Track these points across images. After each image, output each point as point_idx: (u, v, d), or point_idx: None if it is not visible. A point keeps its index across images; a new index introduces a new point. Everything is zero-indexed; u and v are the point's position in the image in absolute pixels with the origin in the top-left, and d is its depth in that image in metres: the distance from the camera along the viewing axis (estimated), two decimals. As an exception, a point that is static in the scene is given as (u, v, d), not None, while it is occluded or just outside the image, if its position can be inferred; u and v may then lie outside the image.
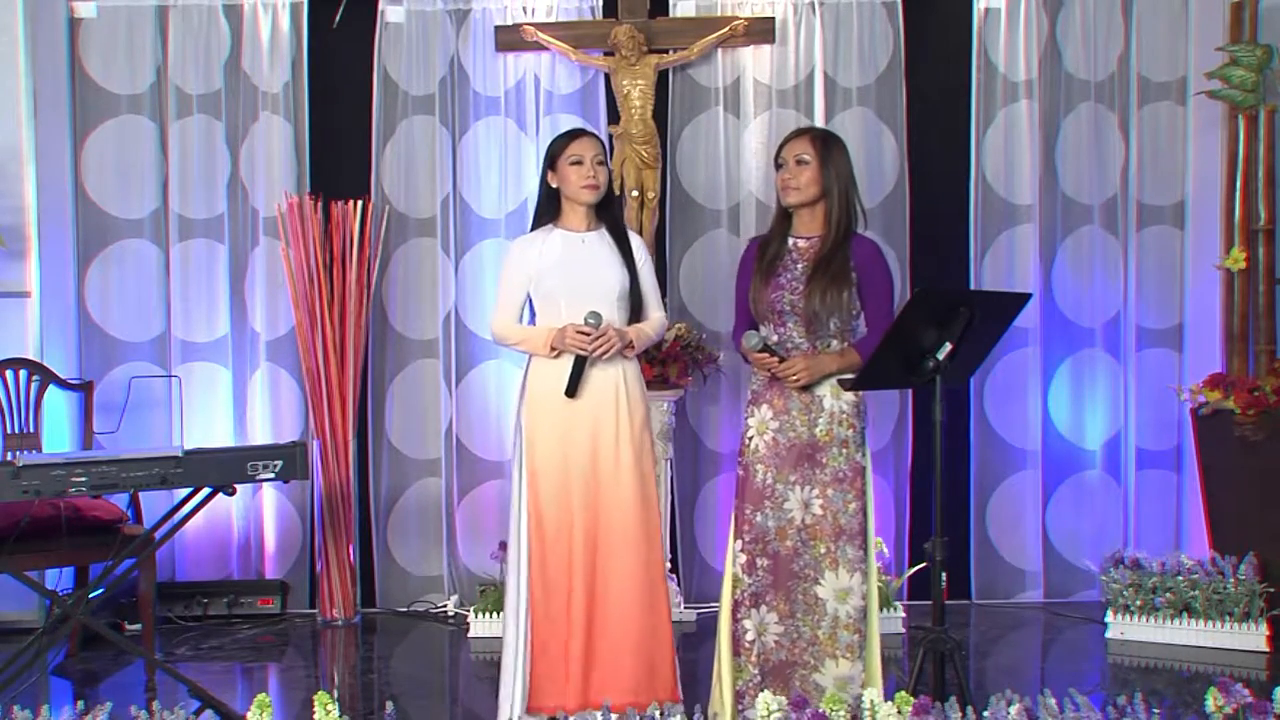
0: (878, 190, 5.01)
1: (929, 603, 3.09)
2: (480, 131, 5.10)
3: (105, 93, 5.03)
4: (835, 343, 3.24)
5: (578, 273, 3.30)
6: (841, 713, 2.64)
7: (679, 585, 4.87)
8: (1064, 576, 5.10)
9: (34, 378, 4.55)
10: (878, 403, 4.88)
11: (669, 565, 4.64)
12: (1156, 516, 5.12)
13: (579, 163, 3.29)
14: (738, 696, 3.24)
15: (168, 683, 3.88)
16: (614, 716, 2.82)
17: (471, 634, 4.60)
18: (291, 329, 4.99)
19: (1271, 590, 4.30)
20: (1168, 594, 4.40)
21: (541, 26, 4.95)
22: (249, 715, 2.62)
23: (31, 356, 4.66)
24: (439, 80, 5.06)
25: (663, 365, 4.62)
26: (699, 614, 4.79)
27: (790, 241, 3.29)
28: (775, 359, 3.19)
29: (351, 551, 4.90)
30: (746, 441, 3.30)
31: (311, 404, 4.90)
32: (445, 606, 5.02)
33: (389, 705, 2.80)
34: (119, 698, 3.58)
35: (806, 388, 3.21)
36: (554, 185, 3.35)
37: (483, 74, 5.09)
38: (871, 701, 2.66)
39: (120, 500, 4.37)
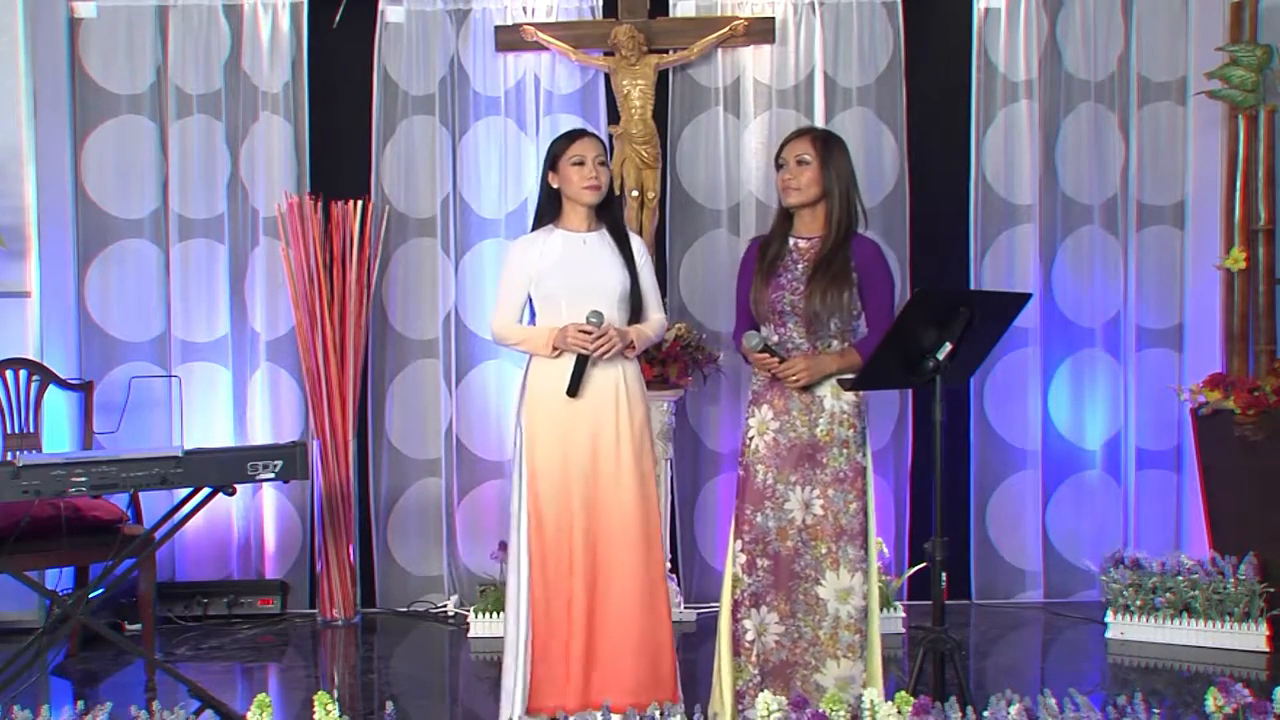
0: (878, 190, 5.01)
1: (929, 603, 3.09)
2: (480, 131, 5.10)
3: (105, 93, 5.03)
4: (836, 343, 3.24)
5: (578, 273, 3.30)
6: (841, 713, 2.64)
7: (679, 585, 4.87)
8: (1064, 576, 5.10)
9: (34, 378, 4.55)
10: (878, 403, 4.88)
11: (669, 565, 4.64)
12: (1156, 516, 5.12)
13: (581, 163, 3.29)
14: (738, 696, 3.24)
15: (168, 683, 3.88)
16: (614, 717, 2.82)
17: (471, 634, 4.60)
18: (291, 329, 4.99)
19: (1271, 590, 4.30)
20: (1168, 594, 4.40)
21: (541, 26, 4.95)
22: (249, 715, 2.62)
23: (31, 356, 4.66)
24: (439, 80, 5.06)
25: (663, 365, 4.62)
26: (699, 614, 4.79)
27: (791, 242, 3.29)
28: (775, 359, 3.19)
29: (351, 551, 4.90)
30: (747, 442, 3.30)
31: (311, 404, 4.90)
32: (445, 606, 5.02)
33: (389, 705, 2.80)
34: (119, 698, 3.58)
35: (807, 388, 3.22)
36: (555, 186, 3.35)
37: (483, 74, 5.09)
38: (871, 701, 2.66)
39: (120, 500, 4.37)
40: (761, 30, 4.98)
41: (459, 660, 4.43)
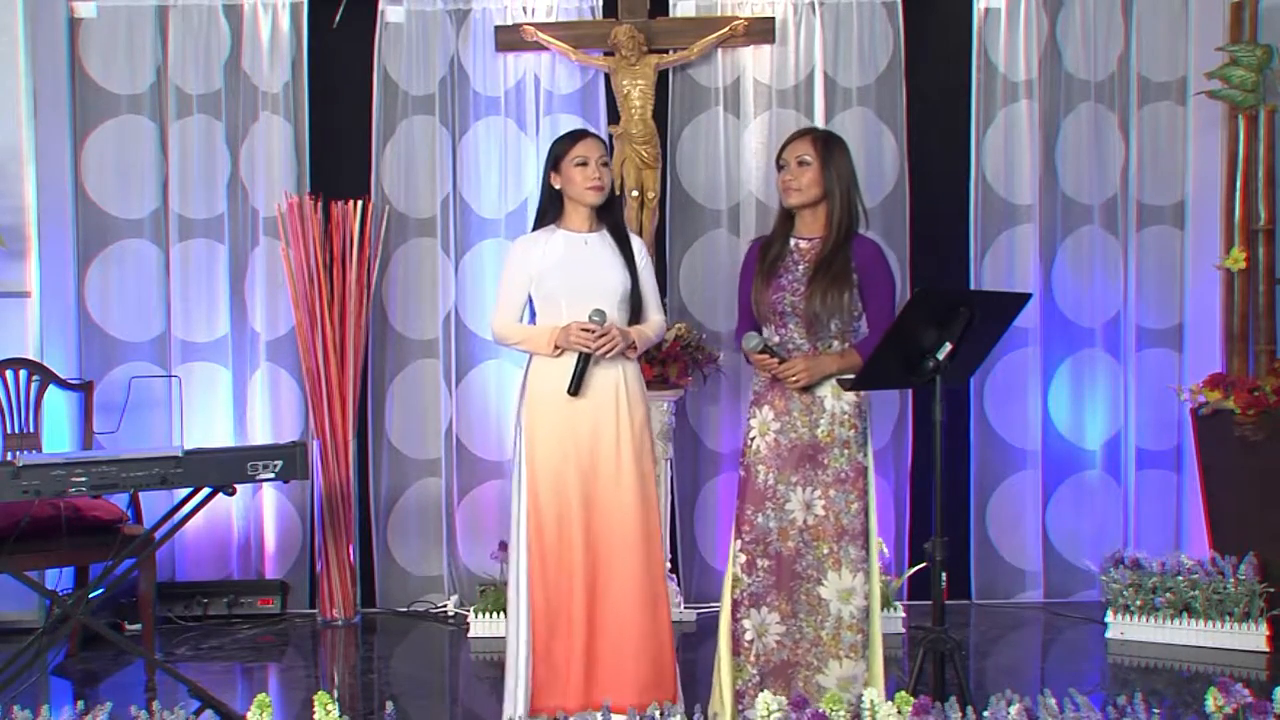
0: (878, 190, 5.01)
1: (929, 603, 3.09)
2: (480, 131, 5.10)
3: (105, 93, 5.03)
4: (836, 344, 3.24)
5: (579, 273, 3.30)
6: (841, 713, 2.64)
7: (679, 585, 4.87)
8: (1064, 576, 5.10)
9: (34, 378, 4.55)
10: (878, 403, 4.87)
11: (669, 565, 4.64)
12: (1156, 516, 5.12)
13: (584, 164, 3.29)
14: (737, 696, 3.24)
15: (168, 683, 3.88)
16: (615, 717, 2.82)
17: (471, 634, 4.60)
18: (291, 329, 4.99)
19: (1271, 590, 4.30)
20: (1168, 594, 4.40)
21: (541, 26, 4.95)
22: (249, 715, 2.62)
23: (31, 356, 4.66)
24: (439, 80, 5.06)
25: (663, 365, 4.62)
26: (699, 614, 4.79)
27: (792, 243, 3.29)
28: (775, 360, 3.20)
29: (351, 551, 4.90)
30: (748, 442, 3.30)
31: (311, 404, 4.90)
32: (445, 606, 5.02)
33: (389, 705, 2.80)
34: (119, 698, 3.58)
35: (807, 389, 3.22)
36: (557, 186, 3.35)
37: (483, 74, 5.09)
38: (872, 701, 2.66)
39: (120, 500, 4.37)
40: (761, 30, 4.98)
41: (459, 660, 4.43)
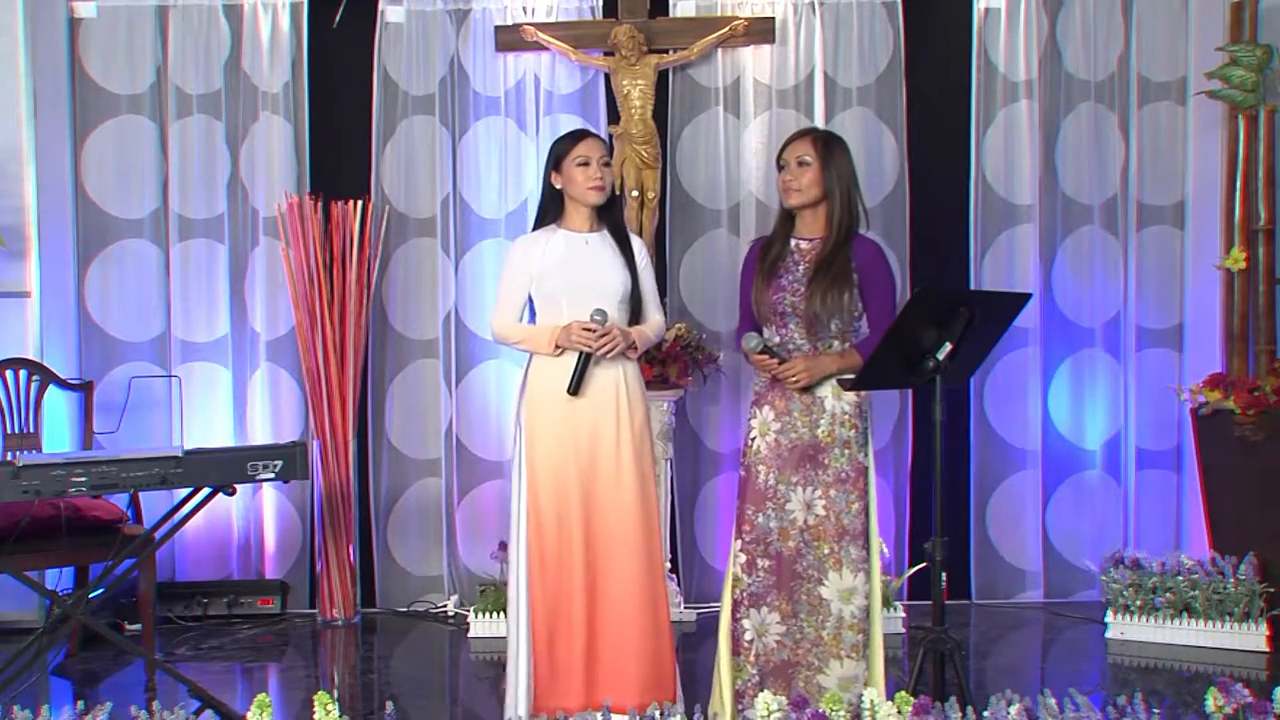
0: (878, 190, 5.01)
1: (929, 603, 3.09)
2: (480, 131, 5.10)
3: (105, 93, 5.03)
4: (837, 344, 3.24)
5: (580, 273, 3.29)
6: (841, 713, 2.64)
7: (679, 585, 4.87)
8: (1064, 576, 5.10)
9: (34, 378, 4.55)
10: (878, 403, 4.88)
11: (669, 565, 4.64)
12: (1156, 516, 5.12)
13: (586, 164, 3.29)
14: (737, 696, 3.24)
15: (168, 683, 3.88)
16: (615, 717, 2.82)
17: (471, 634, 4.60)
18: (291, 329, 4.99)
19: (1271, 590, 4.30)
20: (1168, 594, 4.40)
21: (541, 26, 4.95)
22: (249, 715, 2.62)
23: (31, 356, 4.66)
24: (439, 80, 5.06)
25: (663, 365, 4.62)
26: (699, 614, 4.79)
27: (793, 243, 3.29)
28: (775, 360, 3.20)
29: (351, 551, 4.90)
30: (749, 442, 3.30)
31: (311, 404, 4.90)
32: (445, 606, 5.02)
33: (389, 705, 2.80)
34: (119, 698, 3.58)
35: (807, 389, 3.22)
36: (558, 186, 3.34)
37: (483, 74, 5.09)
38: (872, 701, 2.66)
39: (120, 500, 4.37)
40: (761, 30, 4.98)
41: (459, 660, 4.43)
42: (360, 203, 4.88)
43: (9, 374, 4.50)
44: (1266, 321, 4.65)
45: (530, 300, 3.37)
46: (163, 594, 4.84)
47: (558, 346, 3.25)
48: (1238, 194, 4.69)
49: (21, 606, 4.62)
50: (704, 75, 5.07)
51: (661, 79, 4.96)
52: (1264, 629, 4.28)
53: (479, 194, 5.11)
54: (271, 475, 3.57)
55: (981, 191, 5.10)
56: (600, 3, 5.04)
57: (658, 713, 2.73)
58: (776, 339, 3.26)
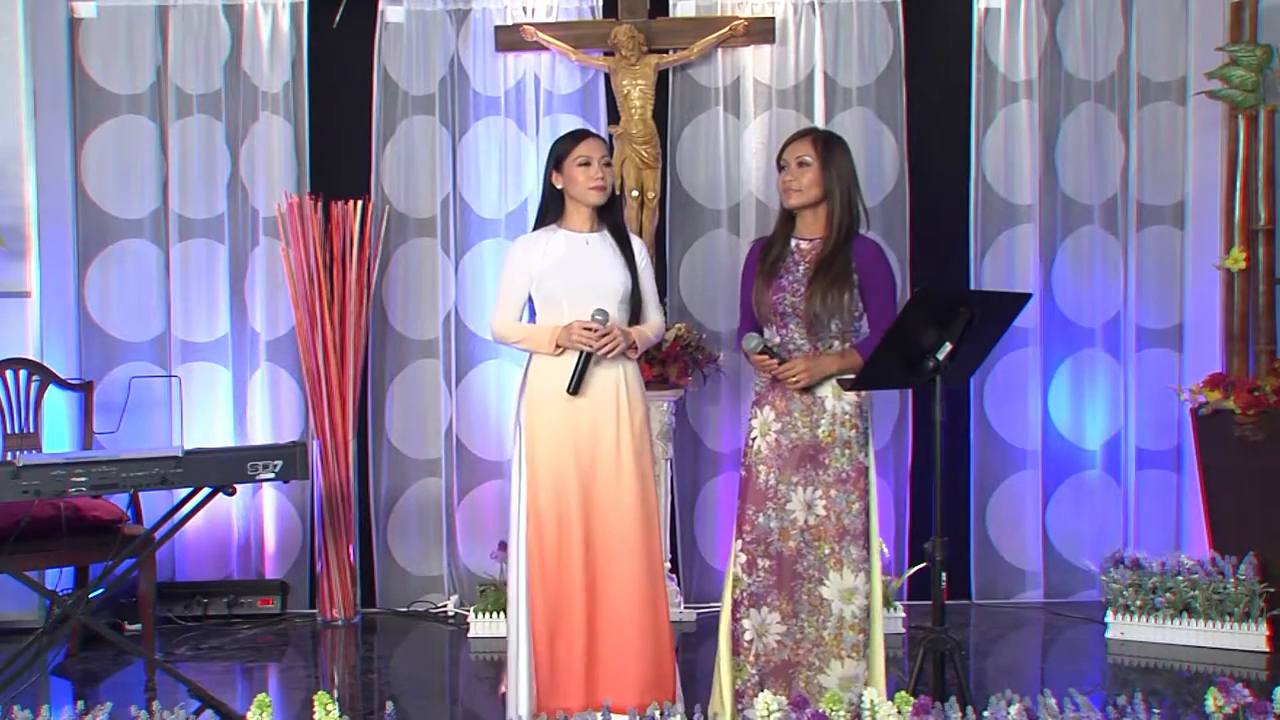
0: (878, 190, 5.01)
1: (929, 603, 3.09)
2: (480, 131, 5.10)
3: (105, 93, 5.03)
4: (837, 344, 3.24)
5: (580, 273, 3.29)
6: (841, 712, 2.64)
7: (679, 585, 4.87)
8: (1064, 576, 5.10)
9: (34, 378, 4.55)
10: (879, 403, 4.88)
11: (669, 565, 4.64)
12: (1156, 516, 5.12)
13: (587, 164, 3.29)
14: (737, 696, 3.24)
15: (168, 683, 3.88)
16: (615, 717, 2.82)
17: (471, 634, 4.60)
18: (291, 329, 4.99)
19: (1271, 590, 4.30)
20: (1168, 594, 4.40)
21: (541, 26, 4.95)
22: (249, 715, 2.62)
23: (31, 356, 4.66)
24: (439, 80, 5.06)
25: (663, 365, 4.62)
26: (699, 614, 4.79)
27: (793, 243, 3.29)
28: (775, 361, 3.20)
29: (351, 551, 4.90)
30: (749, 442, 3.31)
31: (311, 404, 4.90)
32: (445, 606, 5.02)
33: (389, 705, 2.80)
34: (119, 698, 3.58)
35: (807, 389, 3.22)
36: (558, 186, 3.34)
37: (483, 74, 5.09)
38: (871, 701, 2.66)
39: (120, 500, 4.37)
40: (761, 30, 4.98)
41: (459, 660, 4.43)
42: (360, 203, 4.88)
43: (9, 374, 4.50)
44: (1266, 321, 4.65)
45: (530, 300, 3.37)
46: (163, 594, 4.84)
47: (558, 346, 3.25)
48: (1238, 194, 4.69)
49: (21, 606, 4.62)
50: (704, 75, 5.07)
51: (661, 79, 4.96)
52: (1264, 629, 4.28)
53: (479, 194, 5.11)
54: (271, 475, 3.57)
55: (981, 191, 5.10)
56: (600, 3, 5.04)
57: (658, 713, 2.73)
58: (777, 339, 3.26)
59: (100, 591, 3.96)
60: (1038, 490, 5.09)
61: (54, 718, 2.82)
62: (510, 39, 4.98)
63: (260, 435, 5.05)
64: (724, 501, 5.01)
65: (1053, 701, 2.72)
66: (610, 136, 4.85)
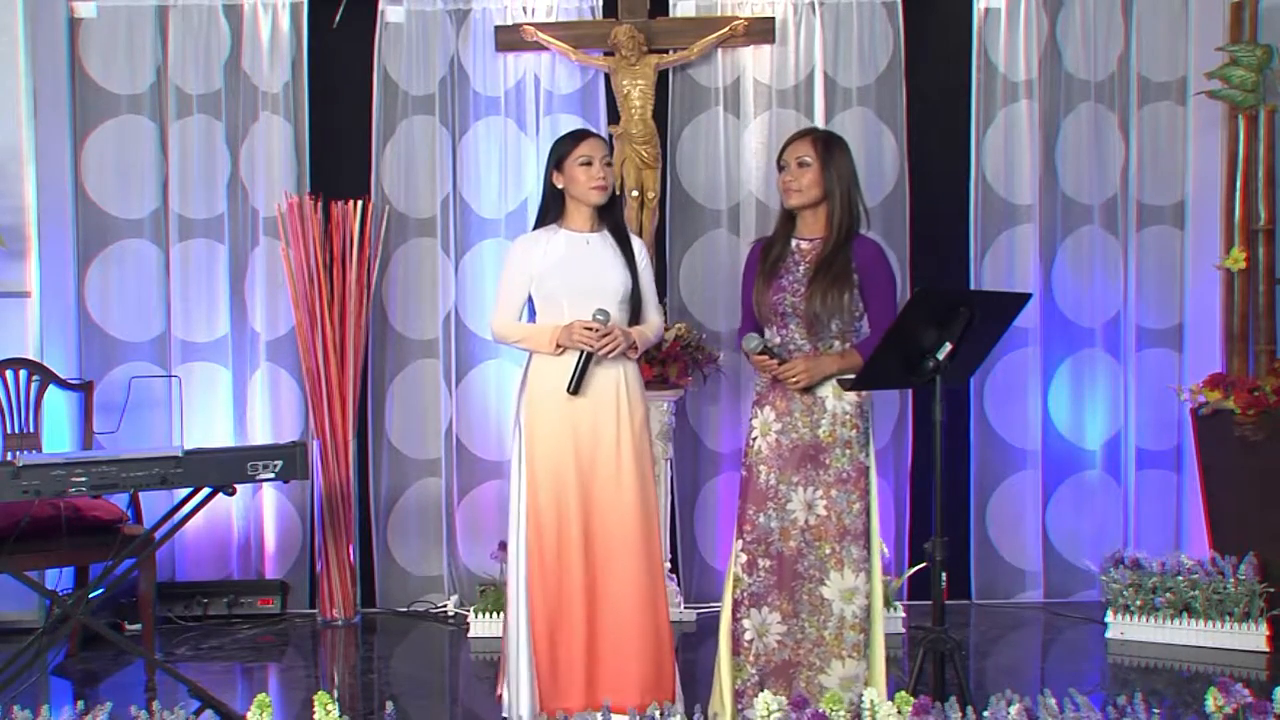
0: (878, 190, 5.01)
1: (929, 603, 3.09)
2: (480, 131, 5.10)
3: (105, 93, 5.03)
4: (837, 344, 3.24)
5: (581, 273, 3.30)
6: (841, 712, 2.64)
7: (679, 585, 4.87)
8: (1064, 576, 5.10)
9: (34, 378, 4.55)
10: (879, 403, 4.87)
11: (669, 565, 4.64)
12: (1156, 516, 5.12)
13: (589, 163, 3.29)
14: (737, 696, 3.24)
15: (168, 683, 3.88)
16: (615, 717, 2.82)
17: (471, 634, 4.60)
18: (291, 329, 4.99)
19: (1271, 590, 4.30)
20: (1168, 594, 4.40)
21: (541, 26, 4.95)
22: (249, 715, 2.62)
23: (31, 356, 4.66)
24: (439, 80, 5.06)
25: (663, 365, 4.62)
26: (699, 614, 4.79)
27: (793, 243, 3.30)
28: (775, 361, 3.20)
29: (351, 551, 4.90)
30: (750, 442, 3.31)
31: (311, 404, 4.90)
32: (445, 606, 5.02)
33: (389, 705, 2.80)
34: (119, 698, 3.58)
35: (808, 389, 3.22)
36: (559, 185, 3.34)
37: (483, 74, 5.09)
38: (871, 701, 2.66)
39: (120, 500, 4.36)
40: (761, 30, 4.98)
41: (459, 660, 4.43)
42: (360, 203, 4.88)
43: (9, 374, 4.50)
44: (1266, 321, 4.65)
45: (530, 300, 3.37)
46: (163, 594, 4.84)
47: (559, 346, 3.25)
48: (1238, 194, 4.69)
49: (21, 606, 4.62)
50: (704, 75, 5.07)
51: (661, 79, 4.96)
52: (1264, 629, 4.28)
53: (479, 194, 5.11)
54: (271, 475, 3.57)
55: (981, 191, 5.10)
56: (600, 3, 5.04)
57: (658, 713, 2.73)
58: (777, 339, 3.27)
59: (100, 591, 3.96)
60: (1038, 490, 5.09)
61: (54, 718, 2.82)
62: (510, 39, 4.98)
63: (260, 435, 5.05)
64: (724, 501, 5.02)
65: (1053, 701, 2.72)
66: (610, 136, 4.85)
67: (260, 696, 2.63)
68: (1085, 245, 5.12)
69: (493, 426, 5.09)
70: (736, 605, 3.26)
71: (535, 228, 3.41)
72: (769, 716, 2.63)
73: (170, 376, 4.97)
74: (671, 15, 5.04)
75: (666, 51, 4.94)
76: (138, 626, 4.37)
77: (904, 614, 4.65)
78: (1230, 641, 4.29)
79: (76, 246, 5.02)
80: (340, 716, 2.63)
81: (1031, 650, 4.60)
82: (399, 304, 5.11)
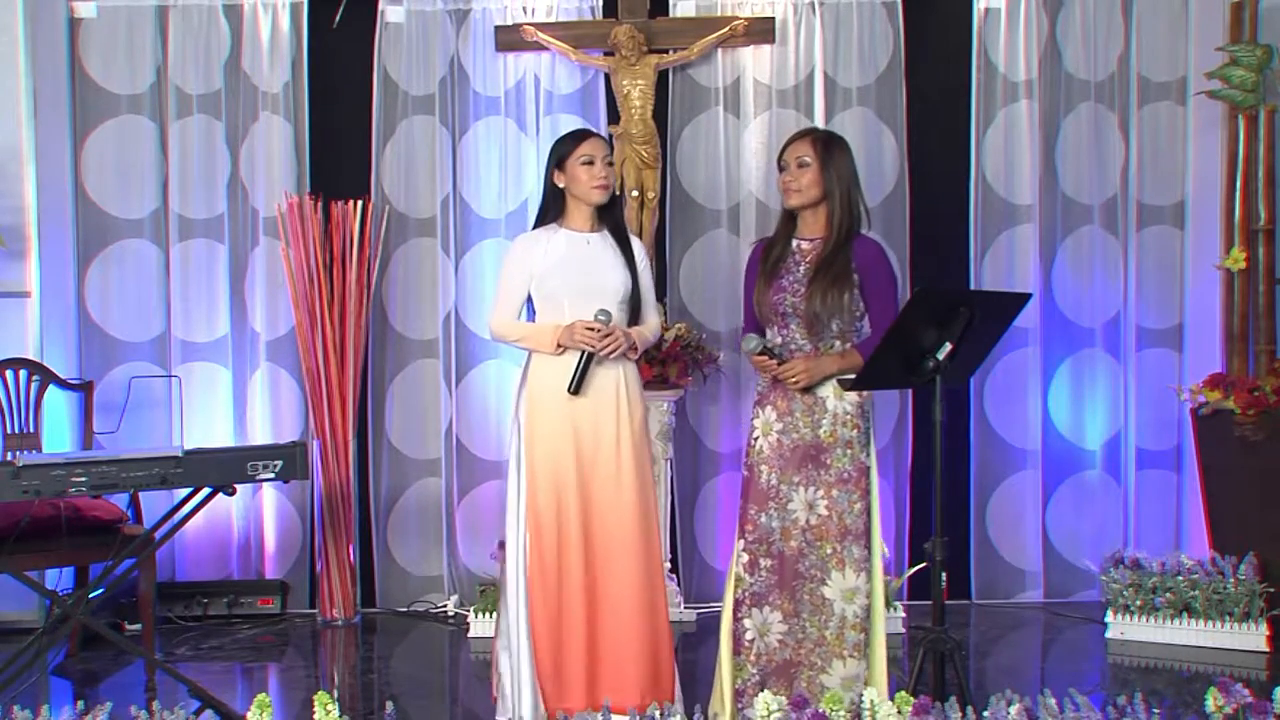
0: (878, 190, 5.01)
1: (929, 603, 3.09)
2: (480, 131, 5.10)
3: (105, 93, 5.03)
4: (838, 344, 3.24)
5: (581, 273, 3.29)
6: (841, 712, 2.64)
7: (679, 585, 4.87)
8: (1064, 576, 5.10)
9: (34, 378, 4.55)
10: (879, 403, 4.87)
11: (669, 565, 4.64)
12: (1156, 516, 5.12)
13: (590, 163, 3.29)
14: (737, 695, 3.24)
15: (168, 683, 3.88)
16: (615, 717, 2.82)
17: (471, 634, 4.60)
18: (291, 329, 4.99)
19: (1271, 590, 4.30)
20: (1168, 594, 4.40)
21: (541, 26, 4.95)
22: (249, 715, 2.62)
23: (31, 356, 4.66)
24: (439, 80, 5.06)
25: (663, 365, 4.62)
26: (699, 614, 4.79)
27: (794, 243, 3.30)
28: (775, 361, 3.20)
29: (351, 551, 4.90)
30: (751, 442, 3.31)
31: (311, 404, 4.90)
32: (445, 606, 5.02)
33: (389, 705, 2.80)
34: (119, 698, 3.58)
35: (808, 389, 3.22)
36: (560, 185, 3.34)
37: (483, 74, 5.09)
38: (872, 701, 2.66)
39: (120, 500, 4.36)
40: (761, 30, 4.98)
41: (459, 660, 4.43)
42: (360, 203, 4.88)
43: (9, 374, 4.50)
44: (1266, 321, 4.65)
45: (530, 299, 3.37)
46: (163, 594, 4.84)
47: (560, 345, 3.25)
48: (1238, 194, 4.69)
49: (21, 606, 4.62)
50: (704, 75, 5.07)
51: (661, 79, 4.96)
52: (1264, 629, 4.28)
53: (479, 194, 5.11)
54: (271, 475, 3.57)
55: (981, 191, 5.10)
56: (600, 3, 5.04)
57: (658, 713, 2.73)
58: (778, 340, 3.27)
59: (100, 591, 3.96)
60: (1038, 490, 5.09)
61: (54, 718, 2.82)
62: (510, 39, 4.98)
63: (260, 435, 5.05)
64: (724, 501, 5.02)
65: (1053, 701, 2.72)
66: (610, 136, 4.85)
67: (260, 696, 2.63)
68: (1085, 245, 5.12)
69: (492, 426, 5.09)
70: (738, 605, 3.26)
71: (535, 227, 3.41)
72: (769, 716, 2.63)
73: (170, 376, 4.98)
74: (671, 15, 5.04)
75: (666, 51, 4.94)
76: (138, 626, 4.37)
77: (904, 614, 4.65)
78: (1230, 641, 4.30)
79: (76, 246, 5.02)
80: (340, 716, 2.63)
81: (1031, 650, 4.60)
82: (399, 304, 5.11)
